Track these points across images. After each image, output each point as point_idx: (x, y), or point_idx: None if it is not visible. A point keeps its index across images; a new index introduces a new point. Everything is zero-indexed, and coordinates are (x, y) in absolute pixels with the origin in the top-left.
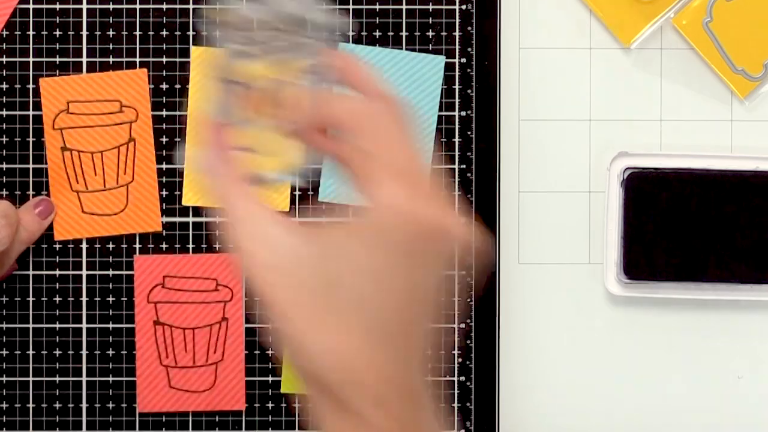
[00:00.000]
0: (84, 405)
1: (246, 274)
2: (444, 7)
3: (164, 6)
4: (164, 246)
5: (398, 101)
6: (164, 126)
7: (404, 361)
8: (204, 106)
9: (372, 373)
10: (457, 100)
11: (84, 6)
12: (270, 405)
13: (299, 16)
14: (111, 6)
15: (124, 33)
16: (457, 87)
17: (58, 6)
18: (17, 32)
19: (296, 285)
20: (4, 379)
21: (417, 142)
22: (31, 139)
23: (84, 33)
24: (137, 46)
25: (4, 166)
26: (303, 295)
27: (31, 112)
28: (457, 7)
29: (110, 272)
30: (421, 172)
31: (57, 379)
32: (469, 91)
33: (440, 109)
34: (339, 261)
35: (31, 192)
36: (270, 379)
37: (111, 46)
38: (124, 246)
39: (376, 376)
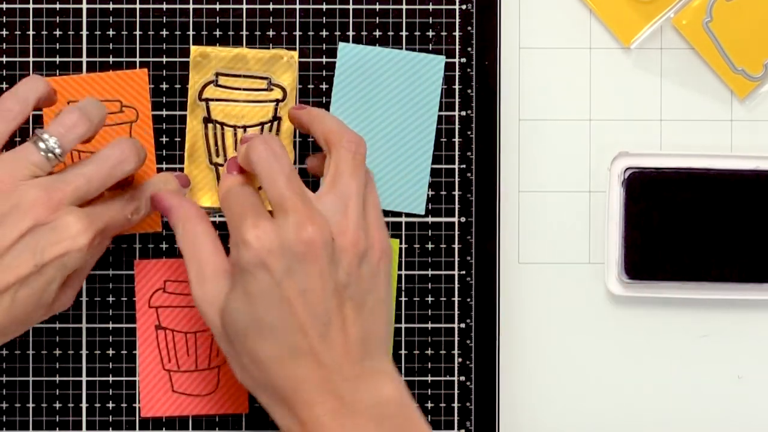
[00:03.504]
0: (84, 405)
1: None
2: (444, 7)
3: (164, 6)
4: (164, 246)
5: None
6: (164, 126)
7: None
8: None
9: (306, 376)
10: (457, 100)
11: (84, 6)
12: None
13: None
14: (111, 6)
15: (124, 33)
16: (457, 87)
17: (58, 6)
18: (17, 32)
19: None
20: (4, 379)
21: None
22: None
23: (84, 33)
24: (137, 46)
25: None
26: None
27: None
28: (457, 7)
29: (110, 272)
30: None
31: (57, 379)
32: (469, 91)
33: (440, 109)
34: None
35: None
36: None
37: (111, 46)
38: (124, 246)
39: (311, 377)
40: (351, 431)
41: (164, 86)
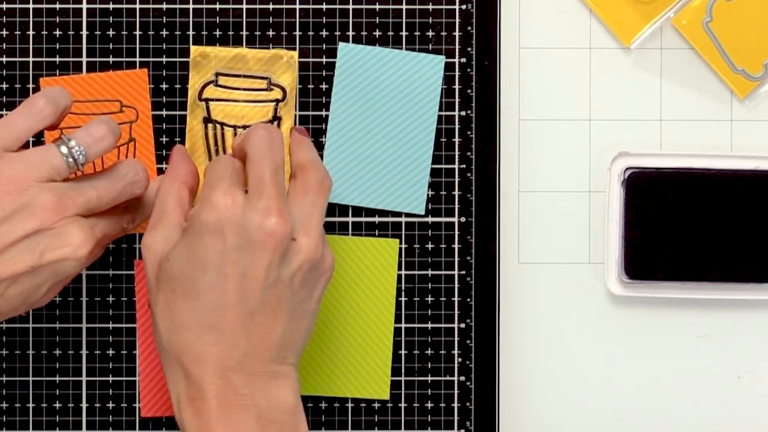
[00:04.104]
0: (84, 405)
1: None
2: (444, 7)
3: (164, 6)
4: None
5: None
6: (164, 126)
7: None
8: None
9: (211, 354)
10: (457, 100)
11: (84, 6)
12: None
13: None
14: (111, 6)
15: (124, 33)
16: (457, 87)
17: (58, 6)
18: (17, 32)
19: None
20: (4, 379)
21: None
22: (31, 139)
23: (84, 33)
24: (137, 46)
25: None
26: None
27: None
28: (457, 7)
29: (110, 272)
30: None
31: (57, 379)
32: (469, 91)
33: (440, 109)
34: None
35: None
36: None
37: (111, 46)
38: (124, 246)
39: (215, 357)
40: (233, 424)
41: (164, 86)
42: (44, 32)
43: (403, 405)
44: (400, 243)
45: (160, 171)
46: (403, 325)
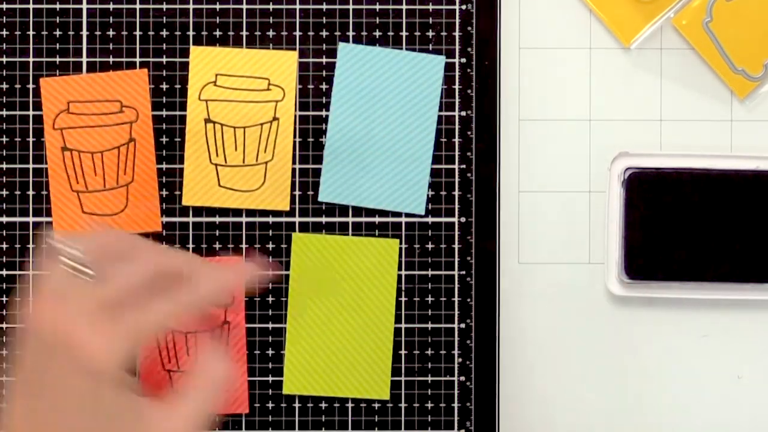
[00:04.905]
0: None
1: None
2: (444, 7)
3: (164, 6)
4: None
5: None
6: (164, 126)
7: None
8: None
9: None
10: (457, 100)
11: (84, 6)
12: (270, 405)
13: None
14: (111, 6)
15: (124, 33)
16: (457, 87)
17: (58, 6)
18: (17, 32)
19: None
20: (4, 379)
21: None
22: (31, 139)
23: (84, 33)
24: (137, 46)
25: (4, 166)
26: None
27: (31, 112)
28: (457, 7)
29: None
30: None
31: None
32: (469, 91)
33: (440, 109)
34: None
35: (31, 192)
36: (270, 379)
37: (111, 46)
38: None
39: None
40: None
41: (164, 86)
42: (44, 32)
43: (403, 405)
44: (400, 243)
45: (160, 171)
46: (403, 325)
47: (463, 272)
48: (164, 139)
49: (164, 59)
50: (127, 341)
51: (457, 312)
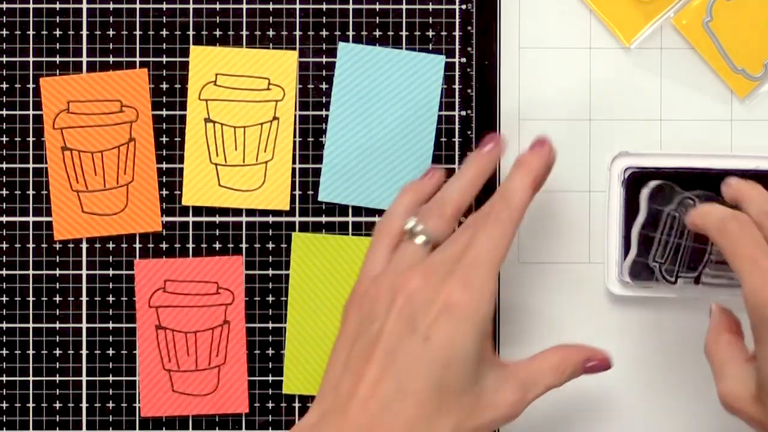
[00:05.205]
0: (84, 405)
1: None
2: (444, 6)
3: (164, 6)
4: (164, 246)
5: None
6: (164, 126)
7: None
8: None
9: None
10: (457, 100)
11: (84, 6)
12: (270, 405)
13: None
14: (111, 6)
15: (124, 33)
16: (457, 87)
17: (58, 6)
18: (17, 32)
19: None
20: (4, 379)
21: None
22: (31, 139)
23: (84, 33)
24: (137, 46)
25: (4, 166)
26: None
27: (31, 112)
28: (457, 6)
29: (110, 272)
30: None
31: (57, 379)
32: (469, 90)
33: (440, 109)
34: None
35: (31, 192)
36: (270, 379)
37: (111, 46)
38: (124, 246)
39: None
40: None
41: (164, 86)
42: (44, 32)
43: None
44: None
45: (160, 171)
46: None
47: None
48: (164, 139)
49: (164, 59)
50: (487, 285)
51: None
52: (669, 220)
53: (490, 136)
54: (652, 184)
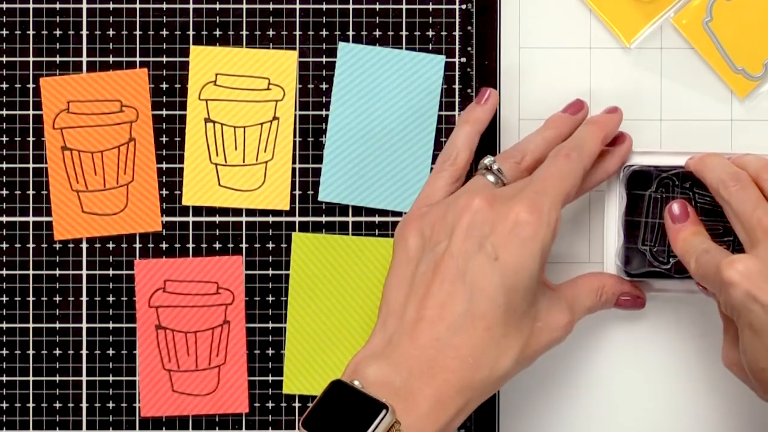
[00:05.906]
0: (84, 405)
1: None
2: (444, 6)
3: (164, 6)
4: (164, 246)
5: None
6: (164, 126)
7: None
8: None
9: None
10: (457, 100)
11: (84, 6)
12: (270, 405)
13: None
14: (111, 6)
15: (124, 33)
16: (457, 87)
17: (58, 6)
18: (17, 32)
19: None
20: (4, 379)
21: None
22: (31, 139)
23: (84, 33)
24: (137, 46)
25: (4, 165)
26: None
27: (31, 112)
28: (457, 6)
29: (110, 272)
30: None
31: (57, 379)
32: (469, 90)
33: (440, 109)
34: None
35: (31, 192)
36: (270, 379)
37: (111, 46)
38: (125, 246)
39: None
40: None
41: (164, 86)
42: (44, 32)
43: None
44: None
45: (160, 170)
46: None
47: None
48: (164, 139)
49: (164, 59)
50: (552, 212)
51: None
52: (651, 202)
53: (576, 102)
54: (628, 170)
